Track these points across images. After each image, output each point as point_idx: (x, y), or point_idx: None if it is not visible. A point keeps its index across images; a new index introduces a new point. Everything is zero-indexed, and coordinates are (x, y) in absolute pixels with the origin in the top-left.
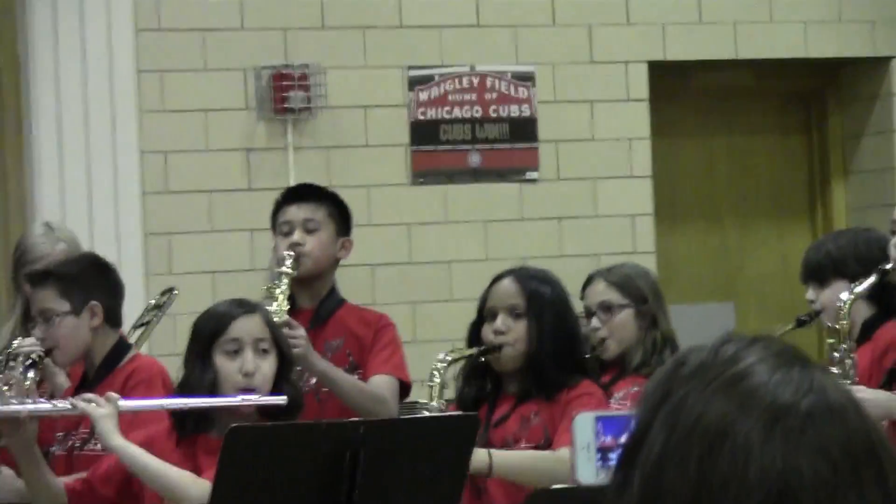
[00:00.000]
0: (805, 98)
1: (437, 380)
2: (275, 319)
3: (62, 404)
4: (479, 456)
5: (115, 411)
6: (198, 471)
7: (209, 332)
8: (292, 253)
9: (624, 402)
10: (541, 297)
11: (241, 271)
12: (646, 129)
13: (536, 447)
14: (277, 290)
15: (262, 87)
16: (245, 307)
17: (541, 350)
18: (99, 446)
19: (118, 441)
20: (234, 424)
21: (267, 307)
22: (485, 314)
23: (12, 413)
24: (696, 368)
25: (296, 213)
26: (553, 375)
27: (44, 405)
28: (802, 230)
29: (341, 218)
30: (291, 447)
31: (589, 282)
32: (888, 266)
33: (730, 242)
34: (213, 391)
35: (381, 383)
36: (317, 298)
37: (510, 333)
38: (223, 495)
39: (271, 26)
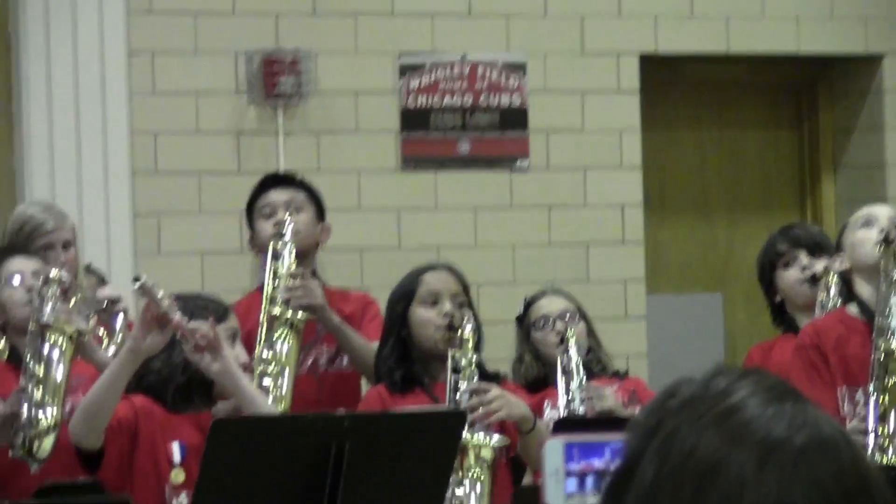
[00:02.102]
0: (796, 92)
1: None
2: (286, 272)
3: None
4: (524, 408)
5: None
6: None
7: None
8: (290, 221)
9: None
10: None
11: (230, 253)
12: (636, 121)
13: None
14: (283, 249)
15: (252, 71)
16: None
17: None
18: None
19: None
20: (219, 417)
21: (276, 263)
22: (420, 299)
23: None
24: (686, 400)
25: (278, 195)
26: (492, 373)
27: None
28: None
29: (318, 204)
30: (277, 439)
31: (539, 297)
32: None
33: (719, 234)
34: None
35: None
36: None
37: (459, 317)
38: (208, 487)
39: (263, 10)
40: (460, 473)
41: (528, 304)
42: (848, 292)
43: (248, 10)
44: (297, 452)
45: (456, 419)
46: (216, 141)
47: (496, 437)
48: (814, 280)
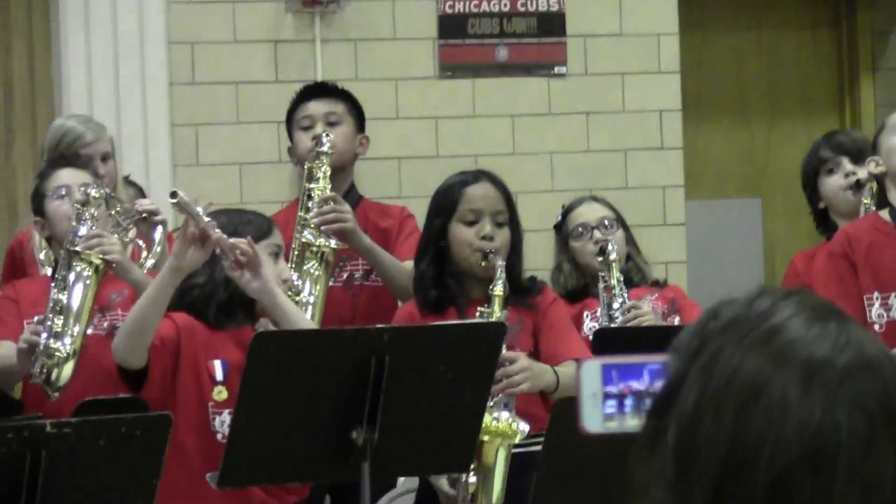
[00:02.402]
0: None
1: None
2: (320, 196)
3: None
4: (548, 375)
5: None
6: None
7: None
8: (327, 133)
9: (657, 302)
10: (513, 203)
11: (268, 163)
12: (674, 25)
13: (530, 354)
14: (318, 172)
15: None
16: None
17: (516, 259)
18: None
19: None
20: (260, 330)
21: (310, 186)
22: (459, 216)
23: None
24: (730, 322)
25: (317, 107)
26: (528, 286)
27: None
28: (830, 126)
29: (358, 114)
30: (317, 353)
31: (577, 204)
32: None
33: (757, 138)
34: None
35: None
36: (337, 193)
37: (497, 240)
38: (249, 400)
39: None
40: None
41: (566, 212)
42: (882, 196)
43: None
44: (336, 366)
45: (496, 329)
46: (253, 49)
47: (522, 425)
48: (857, 186)
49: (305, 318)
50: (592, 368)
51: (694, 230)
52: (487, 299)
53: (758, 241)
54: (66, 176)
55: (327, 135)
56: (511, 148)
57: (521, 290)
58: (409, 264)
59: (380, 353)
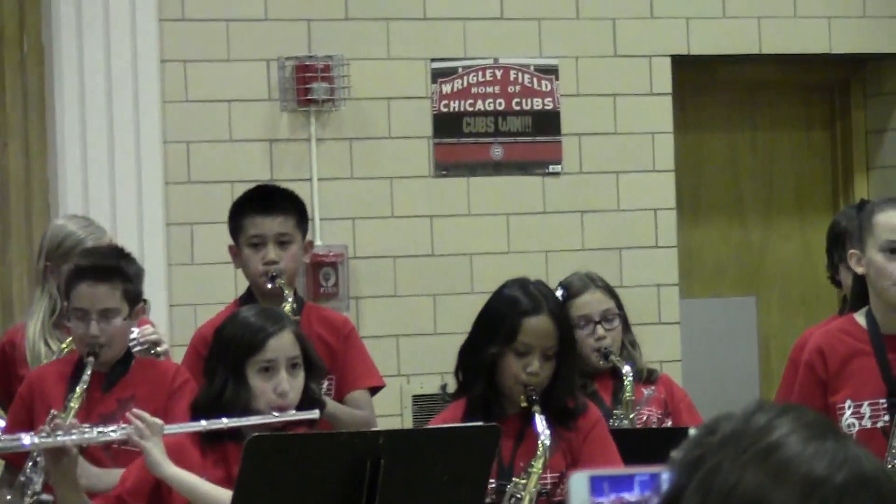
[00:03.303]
0: (829, 92)
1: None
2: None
3: (111, 432)
4: None
5: (161, 438)
6: (231, 480)
7: (244, 349)
8: (272, 272)
9: (650, 408)
10: (570, 333)
11: None
12: (669, 123)
13: (560, 476)
14: (285, 304)
15: (285, 78)
16: (277, 322)
17: (562, 385)
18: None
19: (171, 470)
20: (256, 434)
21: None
22: (512, 347)
23: (58, 444)
24: (728, 436)
25: (269, 226)
26: (572, 407)
27: (89, 434)
28: (825, 224)
29: (305, 221)
30: (312, 456)
31: (581, 291)
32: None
33: (752, 236)
34: (246, 408)
35: (361, 399)
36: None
37: (543, 374)
38: (245, 502)
39: (295, 17)
40: None
41: (568, 297)
42: (859, 294)
43: (280, 16)
44: (332, 469)
45: (490, 433)
46: (249, 148)
47: None
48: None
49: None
50: (581, 480)
51: (689, 329)
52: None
53: (753, 339)
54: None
55: (275, 276)
56: (506, 246)
57: (565, 414)
58: (355, 397)
59: (375, 456)
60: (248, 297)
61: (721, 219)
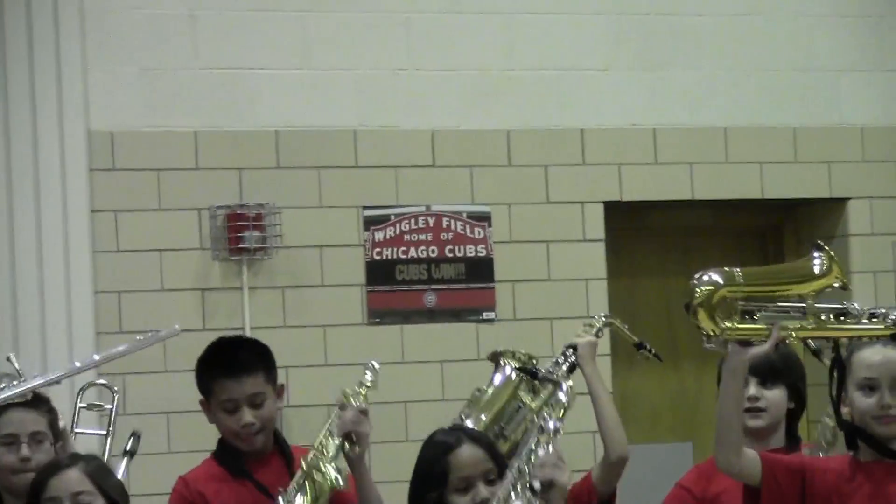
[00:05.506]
0: (762, 236)
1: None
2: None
3: None
4: None
5: None
6: None
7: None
8: (252, 432)
9: None
10: (499, 455)
11: (195, 412)
12: (602, 269)
13: None
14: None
15: (216, 227)
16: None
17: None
18: None
19: None
20: None
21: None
22: (452, 487)
23: None
24: None
25: (240, 390)
26: None
27: None
28: None
29: (273, 369)
30: None
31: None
32: None
33: (687, 382)
34: None
35: None
36: (270, 444)
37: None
38: None
39: (226, 166)
40: None
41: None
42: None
43: (212, 165)
44: None
45: None
46: (181, 297)
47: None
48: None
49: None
50: None
51: (625, 474)
52: None
53: None
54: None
55: (257, 433)
56: (440, 394)
57: None
58: None
59: None
60: (222, 451)
61: (656, 366)
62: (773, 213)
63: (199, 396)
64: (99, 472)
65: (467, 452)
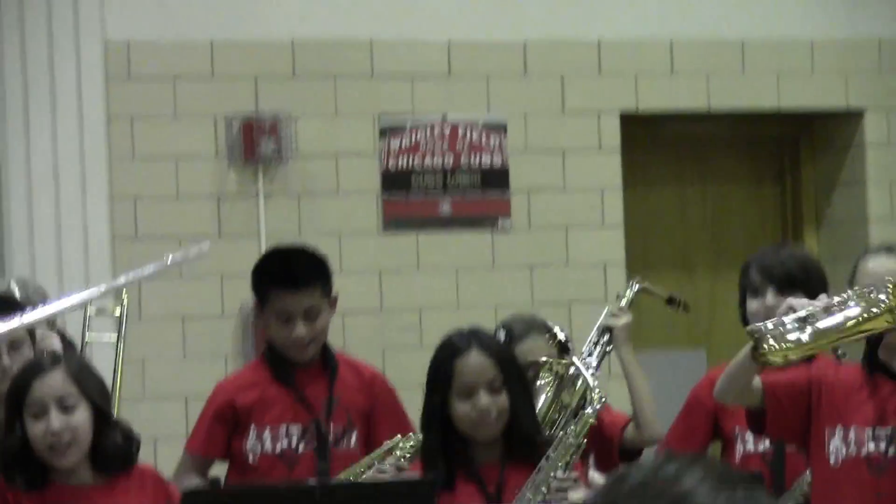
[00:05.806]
0: (778, 147)
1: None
2: None
3: None
4: None
5: None
6: None
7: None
8: (303, 344)
9: None
10: (514, 367)
11: (211, 317)
12: (618, 179)
13: None
14: None
15: (232, 135)
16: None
17: (524, 418)
18: None
19: None
20: (190, 489)
21: None
22: (456, 391)
23: None
24: (637, 486)
25: (294, 304)
26: (538, 437)
27: None
28: None
29: (329, 282)
30: None
31: (521, 334)
32: None
33: (701, 291)
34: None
35: None
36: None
37: (493, 409)
38: None
39: (242, 74)
40: None
41: (510, 340)
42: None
43: (227, 74)
44: None
45: (426, 487)
46: (197, 205)
47: None
48: None
49: None
50: None
51: None
52: (500, 464)
53: None
54: None
55: (307, 344)
56: (455, 302)
57: (532, 449)
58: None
59: None
60: (271, 354)
61: (670, 274)
62: (790, 124)
63: (214, 305)
64: (81, 372)
65: (474, 359)
